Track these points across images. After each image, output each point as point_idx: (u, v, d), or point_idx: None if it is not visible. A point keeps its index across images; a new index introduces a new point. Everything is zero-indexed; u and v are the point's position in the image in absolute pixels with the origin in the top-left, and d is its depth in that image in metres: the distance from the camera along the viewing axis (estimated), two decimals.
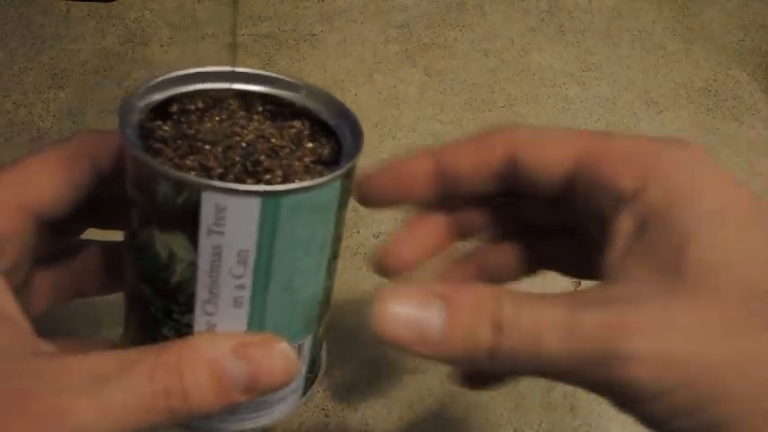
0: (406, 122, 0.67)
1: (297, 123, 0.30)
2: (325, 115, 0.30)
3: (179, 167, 0.26)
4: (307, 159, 0.28)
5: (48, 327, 0.30)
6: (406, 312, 0.24)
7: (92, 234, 0.33)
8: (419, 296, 0.24)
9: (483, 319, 0.24)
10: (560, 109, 0.68)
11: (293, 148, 0.28)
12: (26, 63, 0.72)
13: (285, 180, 0.26)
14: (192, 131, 0.28)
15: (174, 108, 0.28)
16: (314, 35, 0.75)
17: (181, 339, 0.25)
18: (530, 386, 0.48)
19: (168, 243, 0.25)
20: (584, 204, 0.27)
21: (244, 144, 0.28)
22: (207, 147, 0.27)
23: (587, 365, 0.22)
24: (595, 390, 0.23)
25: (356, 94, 0.69)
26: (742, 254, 0.23)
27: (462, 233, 0.33)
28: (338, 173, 0.26)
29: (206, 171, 0.26)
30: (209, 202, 0.23)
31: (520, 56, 0.73)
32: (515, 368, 0.24)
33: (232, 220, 0.24)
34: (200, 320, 0.26)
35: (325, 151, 0.29)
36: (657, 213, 0.24)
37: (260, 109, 0.30)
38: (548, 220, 0.32)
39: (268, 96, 0.30)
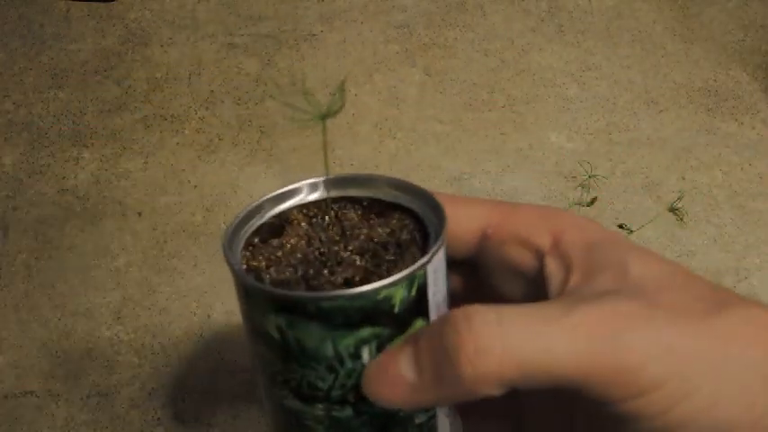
0: (406, 122, 0.67)
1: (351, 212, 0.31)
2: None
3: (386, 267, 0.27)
4: (380, 232, 0.30)
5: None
6: (385, 370, 0.25)
7: None
8: (392, 351, 0.25)
9: (454, 347, 0.24)
10: (560, 109, 0.68)
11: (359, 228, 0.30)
12: (26, 63, 0.72)
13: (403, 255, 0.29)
14: (281, 251, 0.29)
15: (255, 240, 0.30)
16: (314, 35, 0.75)
17: None
18: None
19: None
20: (497, 262, 0.30)
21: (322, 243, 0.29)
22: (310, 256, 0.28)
23: (594, 360, 0.23)
24: (594, 388, 0.23)
25: (356, 94, 0.69)
26: (673, 274, 0.26)
27: None
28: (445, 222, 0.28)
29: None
30: (431, 272, 0.26)
31: (520, 56, 0.73)
32: (517, 384, 0.24)
33: (437, 274, 0.27)
34: None
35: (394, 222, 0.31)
36: (581, 254, 0.27)
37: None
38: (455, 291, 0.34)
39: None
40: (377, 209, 0.31)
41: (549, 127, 0.67)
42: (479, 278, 0.31)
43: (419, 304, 0.26)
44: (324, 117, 0.29)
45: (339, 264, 0.28)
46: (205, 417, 0.48)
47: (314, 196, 0.31)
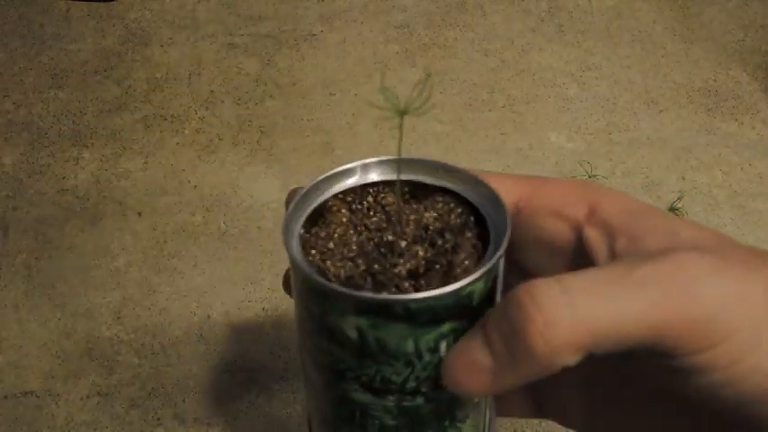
0: (407, 122, 0.66)
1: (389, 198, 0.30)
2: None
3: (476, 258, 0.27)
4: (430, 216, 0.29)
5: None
6: (463, 361, 0.25)
7: None
8: (465, 341, 0.25)
9: (523, 324, 0.23)
10: (560, 109, 0.68)
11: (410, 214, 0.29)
12: (26, 63, 0.72)
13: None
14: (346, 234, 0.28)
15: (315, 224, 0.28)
16: (314, 35, 0.75)
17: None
18: None
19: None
20: (530, 237, 0.29)
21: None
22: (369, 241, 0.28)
23: (666, 315, 0.22)
24: (666, 342, 0.23)
25: (356, 94, 0.69)
26: (721, 236, 0.26)
27: None
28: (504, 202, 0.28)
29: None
30: (502, 261, 0.26)
31: (520, 56, 0.73)
32: (591, 350, 0.23)
33: (502, 261, 0.27)
34: None
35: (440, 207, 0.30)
36: (623, 220, 0.26)
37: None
38: None
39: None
40: (413, 191, 0.29)
41: (549, 127, 0.67)
42: (506, 256, 0.30)
43: (491, 293, 0.26)
44: (402, 113, 0.28)
45: (400, 255, 0.27)
46: (205, 417, 0.48)
47: (351, 181, 0.29)
